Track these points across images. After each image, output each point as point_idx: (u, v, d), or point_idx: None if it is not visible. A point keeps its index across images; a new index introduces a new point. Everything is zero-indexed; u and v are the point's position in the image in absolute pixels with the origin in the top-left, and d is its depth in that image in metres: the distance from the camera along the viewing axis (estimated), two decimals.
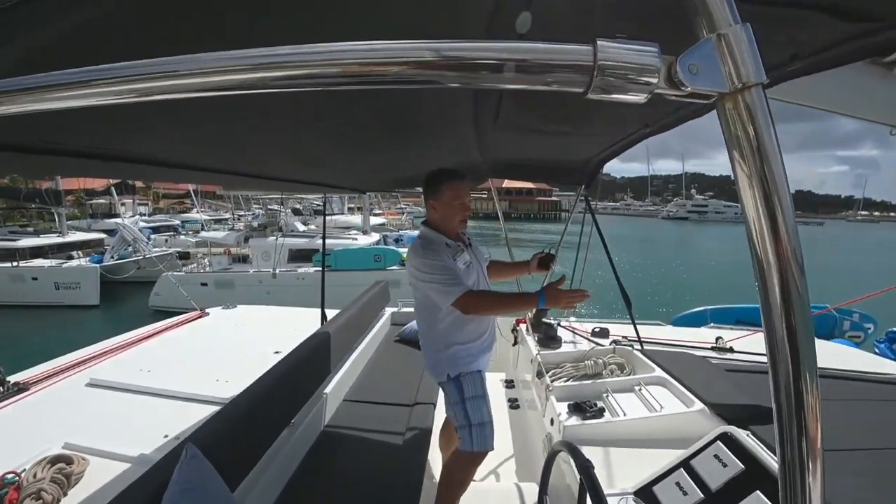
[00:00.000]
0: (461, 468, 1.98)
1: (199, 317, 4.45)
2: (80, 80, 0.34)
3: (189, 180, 2.11)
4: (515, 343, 3.74)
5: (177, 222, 25.74)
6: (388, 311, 4.29)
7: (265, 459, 1.83)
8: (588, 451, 2.04)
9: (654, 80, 0.32)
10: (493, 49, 0.32)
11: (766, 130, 0.32)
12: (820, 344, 3.86)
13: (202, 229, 21.78)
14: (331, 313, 3.38)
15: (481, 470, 2.64)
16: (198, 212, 27.80)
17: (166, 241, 19.79)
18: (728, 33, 0.31)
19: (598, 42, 0.31)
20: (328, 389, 2.55)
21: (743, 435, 1.63)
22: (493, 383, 3.64)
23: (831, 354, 3.34)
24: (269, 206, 18.31)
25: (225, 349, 3.56)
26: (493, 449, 1.96)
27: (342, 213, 18.78)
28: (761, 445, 1.58)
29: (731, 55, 0.32)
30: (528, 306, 1.85)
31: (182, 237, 20.78)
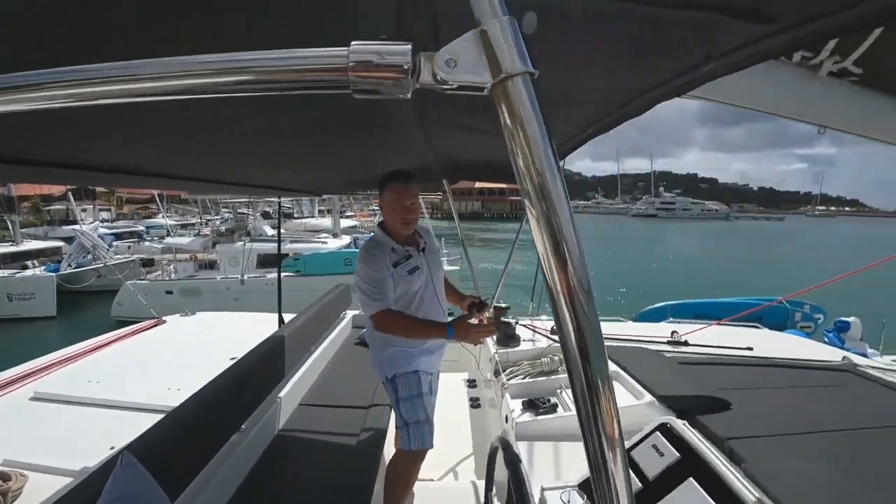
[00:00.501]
0: (403, 467, 2.00)
1: (156, 325, 4.31)
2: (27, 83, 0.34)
3: (143, 185, 2.06)
4: (477, 343, 3.77)
5: (141, 228, 24.93)
6: (350, 313, 4.24)
7: (212, 465, 1.79)
8: (539, 446, 2.10)
9: (410, 77, 0.34)
10: (255, 58, 0.34)
11: (533, 118, 0.34)
12: (772, 335, 4.03)
13: (168, 235, 21.15)
14: (290, 318, 3.33)
15: (440, 469, 2.67)
16: (164, 217, 27.01)
17: (129, 247, 19.14)
18: (489, 28, 0.33)
19: (352, 45, 0.33)
20: (283, 394, 2.51)
21: (680, 425, 1.69)
22: (456, 383, 3.67)
23: (783, 345, 3.47)
24: (238, 210, 17.89)
25: (180, 357, 3.47)
26: (431, 447, 1.98)
27: (312, 216, 18.43)
28: (698, 435, 1.64)
29: (493, 48, 0.33)
30: (437, 336, 1.90)
31: (147, 243, 20.15)
